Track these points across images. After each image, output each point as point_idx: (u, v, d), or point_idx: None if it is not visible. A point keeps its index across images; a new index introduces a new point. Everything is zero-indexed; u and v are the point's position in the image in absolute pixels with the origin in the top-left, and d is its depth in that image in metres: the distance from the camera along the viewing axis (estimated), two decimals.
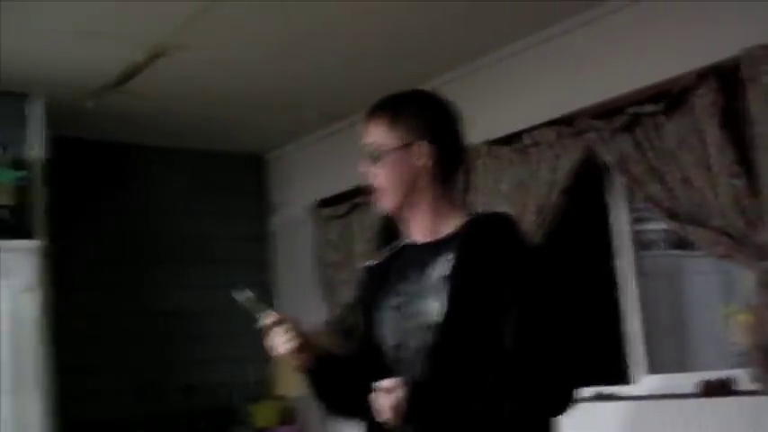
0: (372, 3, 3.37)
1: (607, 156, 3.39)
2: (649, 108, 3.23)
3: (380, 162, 1.76)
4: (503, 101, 3.94)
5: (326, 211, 4.86)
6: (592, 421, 3.50)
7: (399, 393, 1.57)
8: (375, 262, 1.93)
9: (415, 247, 1.81)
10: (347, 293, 4.66)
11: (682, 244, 3.74)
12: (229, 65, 3.95)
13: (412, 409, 1.58)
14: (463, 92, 4.17)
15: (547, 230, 3.62)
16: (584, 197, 3.64)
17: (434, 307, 1.67)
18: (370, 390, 1.62)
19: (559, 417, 1.65)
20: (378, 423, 1.63)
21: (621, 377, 3.55)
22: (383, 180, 1.77)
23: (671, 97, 3.17)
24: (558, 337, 1.63)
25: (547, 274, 1.71)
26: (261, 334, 1.79)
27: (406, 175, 1.76)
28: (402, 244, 1.88)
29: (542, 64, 3.78)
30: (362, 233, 4.62)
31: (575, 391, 1.63)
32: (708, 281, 3.99)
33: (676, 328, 4.02)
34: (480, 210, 2.01)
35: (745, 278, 3.07)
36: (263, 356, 4.80)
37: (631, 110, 3.29)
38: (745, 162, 2.96)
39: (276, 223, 5.52)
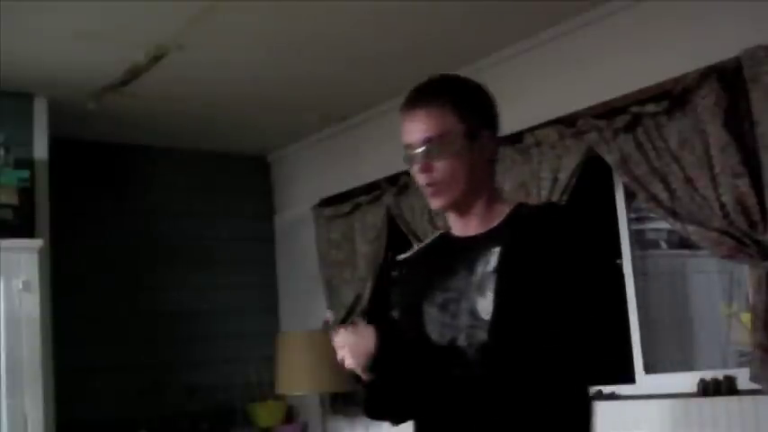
0: (374, 4, 3.37)
1: (609, 156, 3.39)
2: (651, 108, 3.22)
3: (443, 153, 1.64)
4: (504, 101, 3.87)
5: (329, 211, 4.86)
6: (592, 421, 3.50)
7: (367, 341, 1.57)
8: (408, 255, 1.87)
9: (460, 240, 1.74)
10: (350, 293, 4.66)
11: (684, 243, 3.73)
12: (231, 66, 3.95)
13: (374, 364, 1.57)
14: None
15: None
16: (588, 196, 3.64)
17: (485, 305, 1.60)
18: (421, 391, 1.62)
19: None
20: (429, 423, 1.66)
21: (625, 376, 3.54)
22: (444, 173, 1.65)
23: (673, 97, 3.16)
24: (590, 333, 1.59)
25: (592, 266, 1.64)
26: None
27: (472, 167, 1.67)
28: (438, 235, 1.83)
29: (544, 64, 3.77)
30: (365, 232, 4.62)
31: (585, 388, 1.67)
32: (710, 280, 3.98)
33: (678, 328, 4.01)
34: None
35: (748, 278, 3.06)
36: (265, 357, 4.87)
37: (633, 110, 3.28)
38: (747, 162, 2.95)
39: (278, 223, 5.53)
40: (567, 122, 3.56)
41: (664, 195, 3.20)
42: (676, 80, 3.16)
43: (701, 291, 4.13)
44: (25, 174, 3.85)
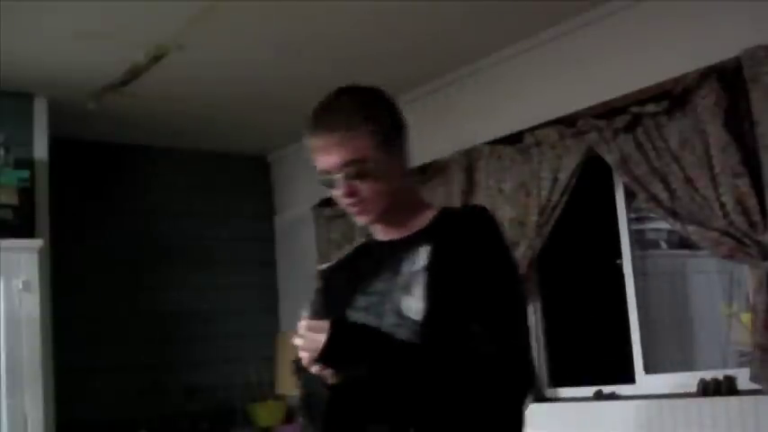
0: (374, 4, 3.37)
1: (609, 156, 3.39)
2: (651, 108, 3.22)
3: (367, 176, 1.61)
4: (504, 101, 3.94)
5: (329, 211, 4.85)
6: (592, 421, 3.50)
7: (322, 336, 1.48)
8: (330, 264, 1.85)
9: (384, 244, 1.73)
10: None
11: (684, 243, 3.73)
12: (231, 66, 3.95)
13: (330, 350, 1.48)
14: (465, 93, 4.19)
15: (550, 230, 3.62)
16: (588, 196, 3.64)
17: (411, 303, 1.58)
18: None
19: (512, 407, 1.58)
20: None
21: (625, 376, 3.55)
22: (368, 193, 1.63)
23: (673, 97, 3.17)
24: (522, 331, 1.61)
25: (514, 268, 1.68)
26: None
27: (392, 179, 1.65)
28: (361, 243, 1.81)
29: (544, 64, 3.77)
30: (365, 232, 4.61)
31: (526, 387, 1.59)
32: (710, 280, 3.99)
33: (678, 328, 4.01)
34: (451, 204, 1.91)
35: (748, 278, 3.06)
36: (265, 357, 4.87)
37: (633, 110, 3.29)
38: (747, 162, 2.95)
39: (278, 223, 5.53)
40: (567, 122, 3.56)
41: (664, 195, 3.20)
42: (676, 80, 3.16)
43: (701, 291, 4.14)
44: (25, 174, 3.86)
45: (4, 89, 3.94)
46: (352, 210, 1.67)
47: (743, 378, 3.04)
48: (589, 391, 3.62)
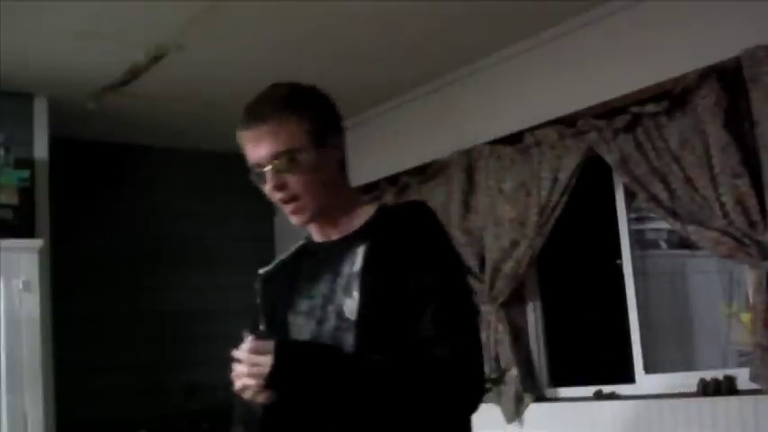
0: (374, 4, 3.36)
1: (609, 156, 3.39)
2: (651, 108, 3.23)
3: (294, 168, 1.57)
4: (504, 101, 3.94)
5: None
6: (592, 421, 3.50)
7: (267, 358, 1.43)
8: (270, 268, 1.81)
9: (322, 245, 1.70)
10: None
11: (684, 243, 3.73)
12: (231, 66, 3.94)
13: (278, 375, 1.43)
14: (465, 93, 4.19)
15: (550, 230, 3.63)
16: (588, 196, 3.64)
17: (350, 303, 1.55)
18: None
19: (470, 413, 1.56)
20: None
21: (625, 376, 3.55)
22: (299, 188, 1.58)
23: (673, 97, 3.17)
24: (474, 330, 1.57)
25: (460, 263, 1.65)
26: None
27: (325, 175, 1.60)
28: (301, 245, 1.78)
29: (544, 64, 3.77)
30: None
31: (482, 389, 1.57)
32: (710, 280, 3.99)
33: (678, 328, 4.01)
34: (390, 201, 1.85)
35: (748, 278, 3.06)
36: None
37: (633, 110, 3.29)
38: (747, 162, 2.96)
39: (278, 224, 5.52)
40: (567, 122, 3.56)
41: (664, 195, 3.20)
42: (676, 80, 3.16)
43: (701, 291, 4.13)
44: (25, 174, 3.86)
45: (4, 89, 3.94)
46: (286, 209, 1.64)
47: (743, 378, 3.04)
48: (589, 390, 3.62)
